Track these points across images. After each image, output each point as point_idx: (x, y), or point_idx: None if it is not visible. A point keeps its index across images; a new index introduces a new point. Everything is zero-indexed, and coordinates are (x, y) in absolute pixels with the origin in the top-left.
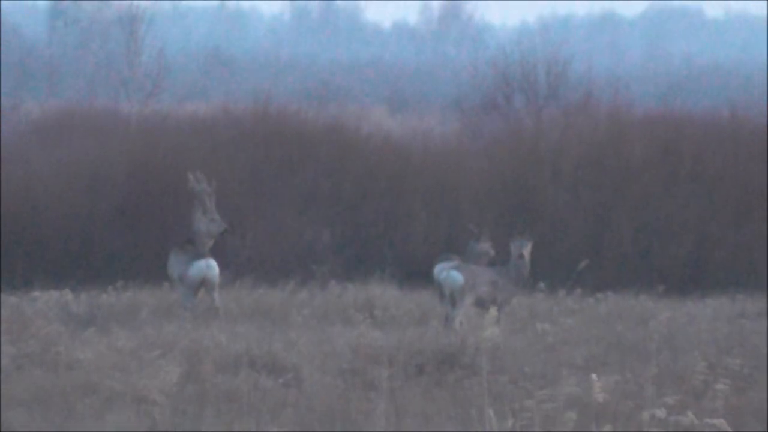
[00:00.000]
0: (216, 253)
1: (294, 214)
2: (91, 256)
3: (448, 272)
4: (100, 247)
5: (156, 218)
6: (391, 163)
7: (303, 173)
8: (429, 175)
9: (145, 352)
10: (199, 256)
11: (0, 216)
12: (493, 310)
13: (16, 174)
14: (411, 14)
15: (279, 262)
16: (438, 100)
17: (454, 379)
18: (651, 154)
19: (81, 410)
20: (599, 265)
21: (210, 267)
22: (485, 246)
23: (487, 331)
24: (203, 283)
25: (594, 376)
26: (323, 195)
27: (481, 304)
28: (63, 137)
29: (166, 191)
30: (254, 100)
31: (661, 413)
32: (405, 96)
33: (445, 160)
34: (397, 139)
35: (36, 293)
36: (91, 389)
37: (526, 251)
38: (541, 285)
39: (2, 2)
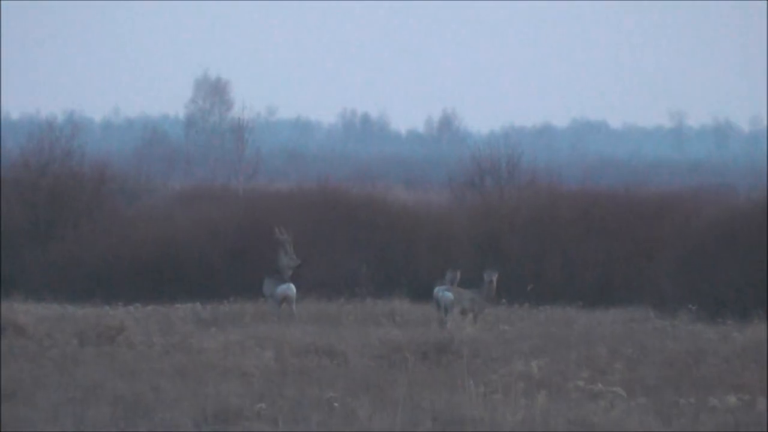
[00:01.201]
0: (294, 279)
1: (343, 254)
2: (213, 280)
3: (443, 292)
4: (219, 275)
5: (255, 256)
6: (406, 221)
7: (349, 228)
8: (430, 229)
9: (247, 342)
10: (283, 281)
11: (155, 254)
12: (471, 317)
13: (165, 227)
14: (419, 124)
15: (333, 285)
16: (437, 180)
17: (446, 361)
18: (573, 216)
19: (206, 380)
20: (540, 288)
21: (290, 288)
22: (456, 275)
23: (468, 330)
24: (285, 299)
25: (534, 361)
26: (362, 242)
27: (464, 313)
28: (195, 204)
29: (261, 238)
30: (318, 181)
31: (579, 383)
32: (415, 178)
33: (441, 220)
34: (409, 206)
35: (178, 305)
36: (212, 366)
37: (494, 279)
38: (503, 301)
39: (155, 114)
